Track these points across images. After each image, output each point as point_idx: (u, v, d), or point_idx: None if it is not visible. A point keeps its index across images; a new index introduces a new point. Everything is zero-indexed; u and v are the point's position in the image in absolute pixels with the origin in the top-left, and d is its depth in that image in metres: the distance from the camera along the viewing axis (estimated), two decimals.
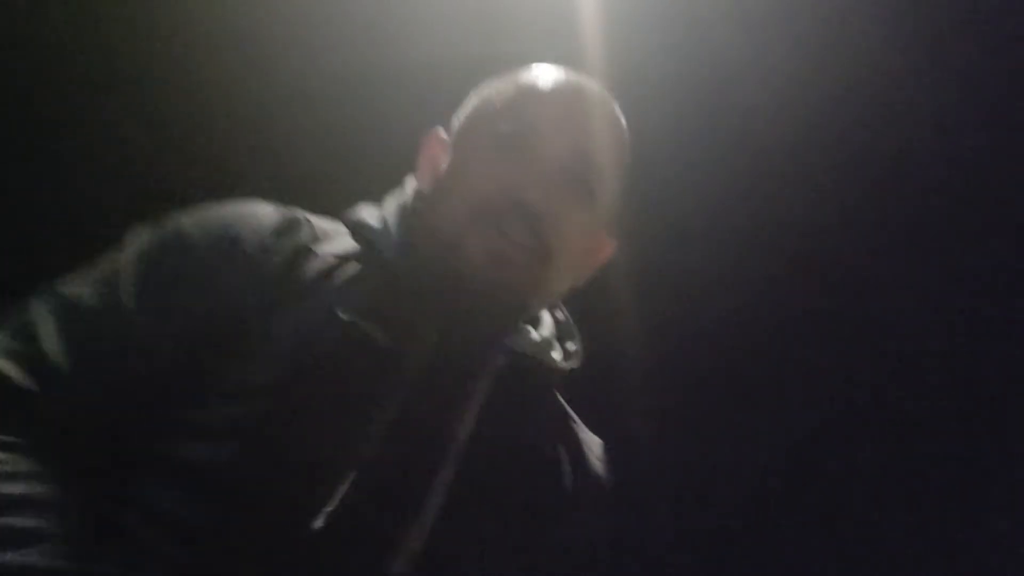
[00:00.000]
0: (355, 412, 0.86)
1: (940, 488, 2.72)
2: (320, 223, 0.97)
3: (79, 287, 0.87)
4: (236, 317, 0.87)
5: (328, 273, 0.92)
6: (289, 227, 0.93)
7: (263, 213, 0.94)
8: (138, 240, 0.91)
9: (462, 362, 0.92)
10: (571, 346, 1.06)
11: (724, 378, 2.74)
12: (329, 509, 0.80)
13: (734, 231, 2.61)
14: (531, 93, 1.00)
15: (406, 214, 1.01)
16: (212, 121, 2.46)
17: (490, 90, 1.04)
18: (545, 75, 1.02)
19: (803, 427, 2.74)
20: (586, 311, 1.18)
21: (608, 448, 1.10)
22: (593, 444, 1.07)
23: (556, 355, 1.03)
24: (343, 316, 0.87)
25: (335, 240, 0.96)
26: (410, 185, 1.06)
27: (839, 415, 2.78)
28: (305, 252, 0.92)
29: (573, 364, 1.05)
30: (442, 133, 1.07)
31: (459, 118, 1.05)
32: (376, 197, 1.06)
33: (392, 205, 1.03)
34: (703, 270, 2.53)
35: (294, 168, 2.49)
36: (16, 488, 0.75)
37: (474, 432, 0.90)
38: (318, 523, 0.80)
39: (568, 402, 1.12)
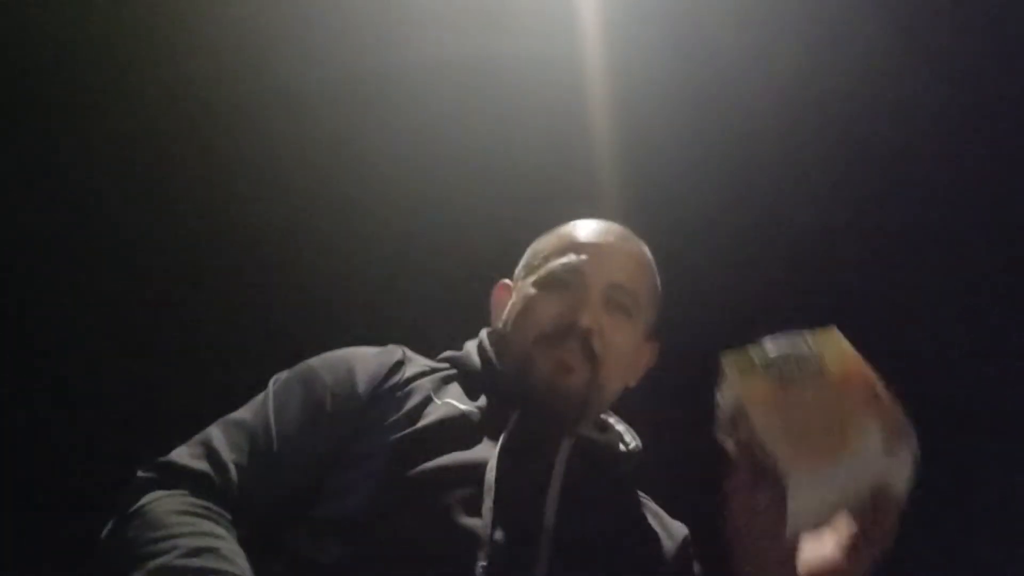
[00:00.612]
0: (458, 468, 1.09)
1: (940, 488, 2.72)
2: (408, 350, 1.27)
3: (242, 415, 1.17)
4: (357, 415, 1.15)
5: (423, 375, 1.21)
6: (388, 352, 1.24)
7: (366, 348, 1.25)
8: (280, 379, 1.21)
9: (540, 435, 1.16)
10: (632, 443, 1.31)
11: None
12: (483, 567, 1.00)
13: (734, 231, 2.61)
14: (573, 243, 1.28)
15: (483, 346, 1.28)
16: (212, 121, 2.47)
17: (541, 243, 1.34)
18: (583, 227, 1.31)
19: None
20: None
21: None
22: (678, 531, 1.28)
23: (621, 447, 1.29)
24: (443, 399, 1.17)
25: (423, 360, 1.25)
26: (484, 333, 1.32)
27: None
28: (402, 364, 1.22)
29: (635, 449, 1.29)
30: (508, 282, 1.36)
31: (520, 268, 1.35)
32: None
33: (471, 344, 1.30)
34: (703, 270, 2.53)
35: (294, 168, 2.50)
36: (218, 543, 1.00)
37: (564, 507, 1.10)
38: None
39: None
